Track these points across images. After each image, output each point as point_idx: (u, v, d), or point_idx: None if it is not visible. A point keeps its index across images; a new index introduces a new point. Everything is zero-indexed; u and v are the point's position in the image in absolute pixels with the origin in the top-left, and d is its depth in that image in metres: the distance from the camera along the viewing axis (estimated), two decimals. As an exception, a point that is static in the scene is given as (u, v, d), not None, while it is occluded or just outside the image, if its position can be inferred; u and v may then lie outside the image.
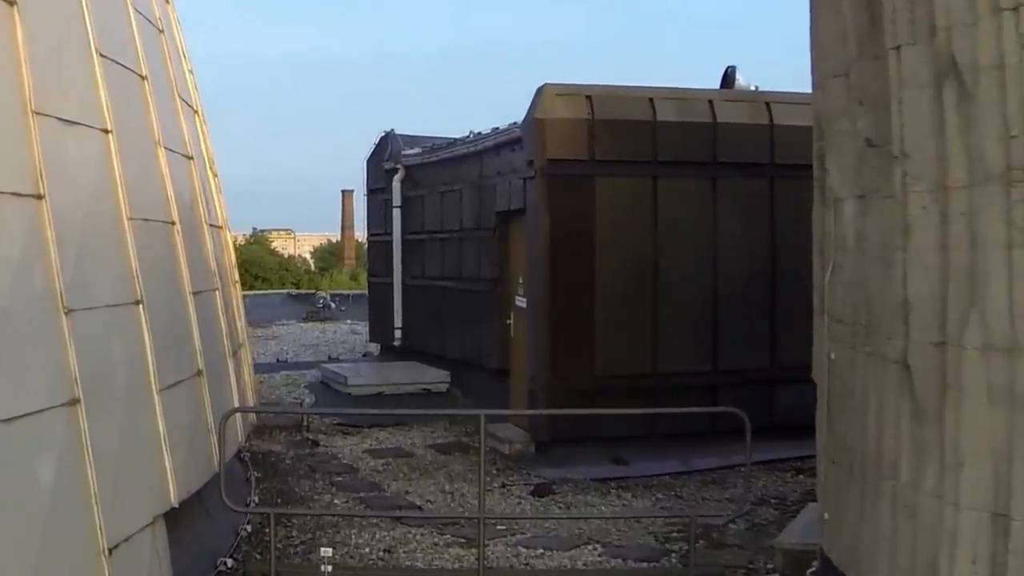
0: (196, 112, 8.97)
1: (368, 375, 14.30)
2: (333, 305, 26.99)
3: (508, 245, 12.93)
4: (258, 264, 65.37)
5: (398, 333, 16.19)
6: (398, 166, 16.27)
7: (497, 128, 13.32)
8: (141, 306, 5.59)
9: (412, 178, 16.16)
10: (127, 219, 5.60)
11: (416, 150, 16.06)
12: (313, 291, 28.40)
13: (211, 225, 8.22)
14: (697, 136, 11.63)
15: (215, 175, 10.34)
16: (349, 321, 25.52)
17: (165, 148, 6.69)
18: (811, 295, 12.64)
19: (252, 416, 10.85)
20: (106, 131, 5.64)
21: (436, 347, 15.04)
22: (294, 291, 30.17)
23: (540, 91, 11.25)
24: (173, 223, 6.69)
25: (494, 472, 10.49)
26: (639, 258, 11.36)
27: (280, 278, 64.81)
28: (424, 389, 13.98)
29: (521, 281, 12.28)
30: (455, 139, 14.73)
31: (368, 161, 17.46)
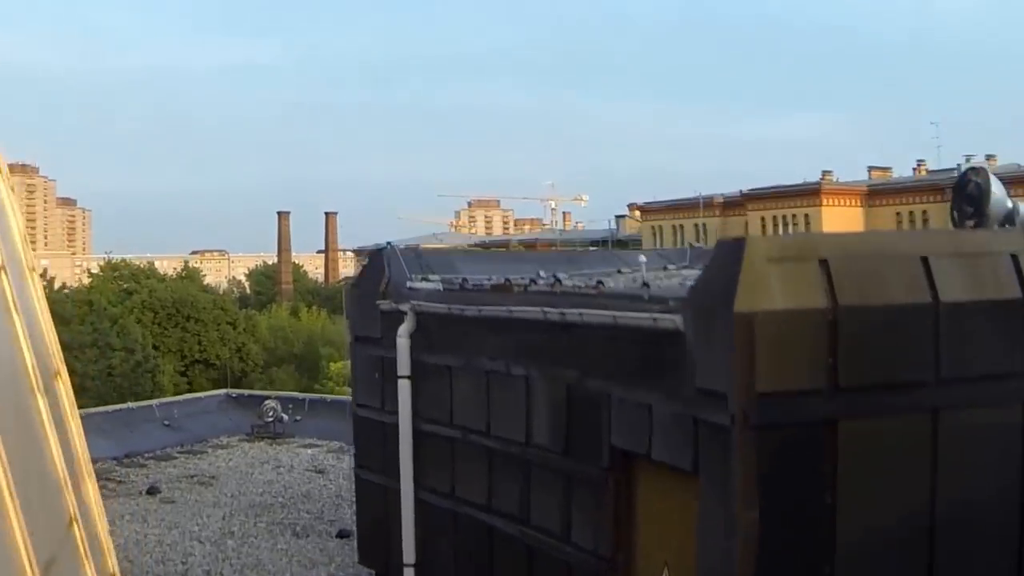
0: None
1: None
2: (285, 417, 21.32)
3: (632, 505, 7.36)
4: (190, 304, 59.78)
5: (410, 573, 10.32)
6: (404, 309, 10.30)
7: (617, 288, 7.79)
8: None
9: (428, 333, 10.08)
10: None
11: (434, 283, 10.16)
12: (261, 397, 22.61)
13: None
14: (1007, 331, 6.34)
15: None
16: (309, 448, 19.98)
17: None
18: None
19: None
20: None
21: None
22: (234, 391, 24.41)
23: (738, 247, 5.78)
24: None
25: None
26: None
27: (215, 318, 59.34)
28: None
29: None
30: (523, 280, 8.96)
31: (350, 291, 11.46)
